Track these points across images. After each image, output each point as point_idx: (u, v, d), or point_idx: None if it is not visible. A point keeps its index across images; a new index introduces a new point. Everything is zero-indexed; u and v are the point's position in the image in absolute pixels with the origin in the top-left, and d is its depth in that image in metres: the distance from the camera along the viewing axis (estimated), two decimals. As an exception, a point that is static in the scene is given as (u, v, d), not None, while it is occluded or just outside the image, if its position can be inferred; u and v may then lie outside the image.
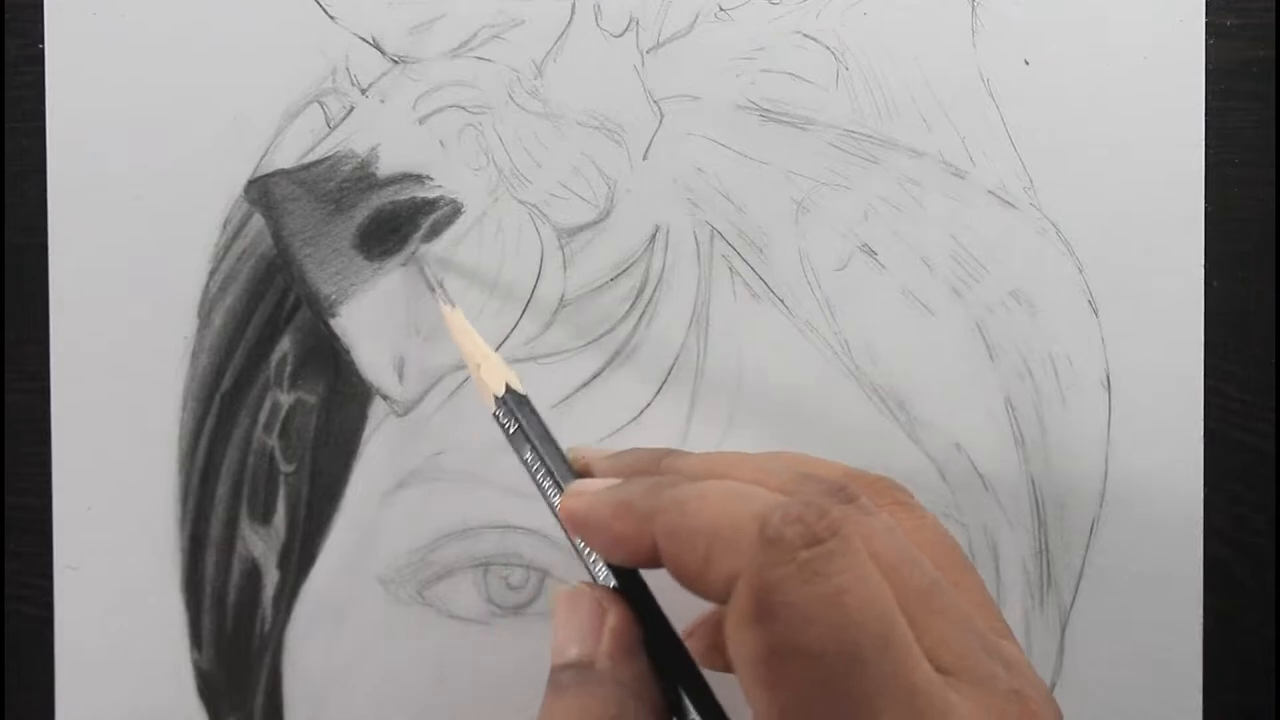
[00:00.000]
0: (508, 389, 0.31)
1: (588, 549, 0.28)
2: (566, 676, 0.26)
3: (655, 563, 0.25)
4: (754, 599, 0.22)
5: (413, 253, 0.36)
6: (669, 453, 0.30)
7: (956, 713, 0.22)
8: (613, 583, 0.28)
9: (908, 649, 0.22)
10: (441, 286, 0.35)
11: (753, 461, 0.28)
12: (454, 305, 0.34)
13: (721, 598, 0.23)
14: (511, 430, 0.30)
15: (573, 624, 0.27)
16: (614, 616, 0.27)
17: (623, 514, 0.26)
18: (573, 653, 0.26)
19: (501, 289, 0.36)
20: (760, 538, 0.22)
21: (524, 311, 0.36)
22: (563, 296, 0.36)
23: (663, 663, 0.26)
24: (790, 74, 0.36)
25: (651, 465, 0.29)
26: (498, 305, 0.36)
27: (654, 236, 0.36)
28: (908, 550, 0.24)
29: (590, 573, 0.28)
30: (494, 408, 0.31)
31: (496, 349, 0.36)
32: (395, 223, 0.36)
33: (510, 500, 0.35)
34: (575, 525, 0.28)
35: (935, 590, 0.24)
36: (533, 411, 0.31)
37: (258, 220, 0.36)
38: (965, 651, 0.23)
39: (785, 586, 0.22)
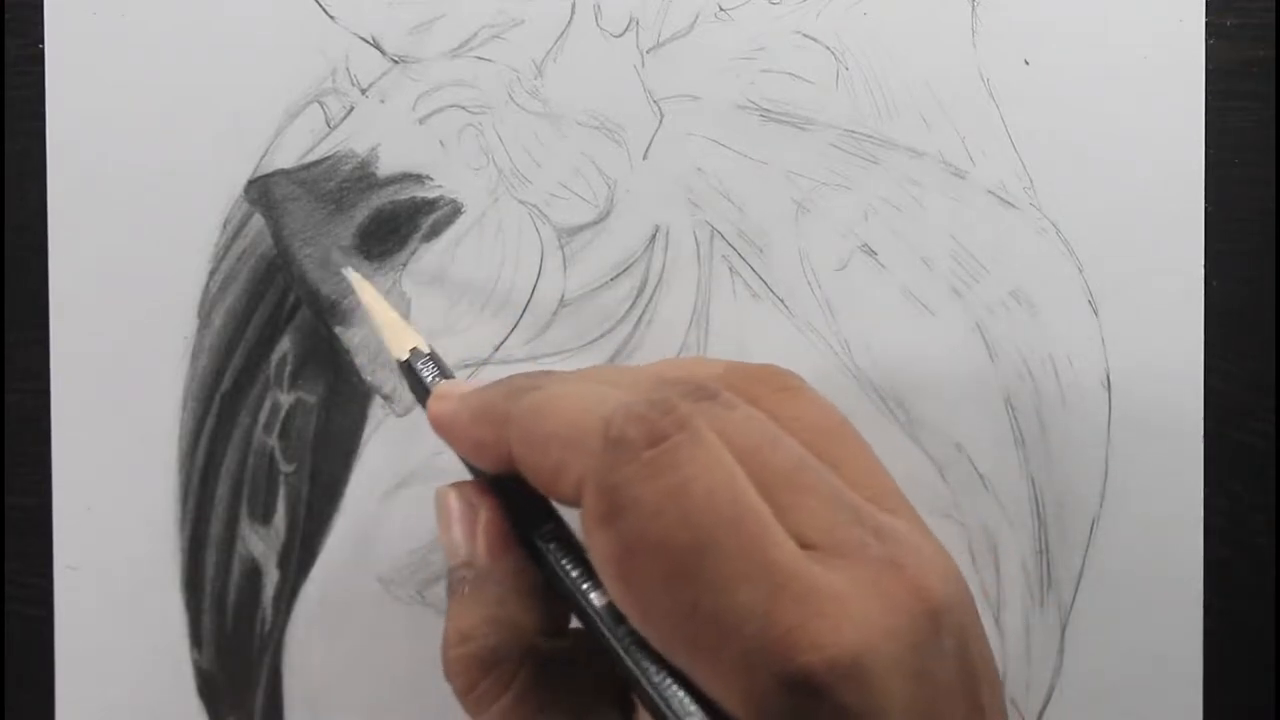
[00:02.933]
0: (413, 351, 0.30)
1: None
2: (457, 577, 0.26)
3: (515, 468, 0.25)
4: (601, 500, 0.22)
5: (413, 252, 0.36)
6: (547, 373, 0.29)
7: (821, 584, 0.21)
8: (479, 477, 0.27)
9: (763, 527, 0.22)
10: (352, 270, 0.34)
11: (623, 370, 0.28)
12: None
13: (576, 502, 0.23)
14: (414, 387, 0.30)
15: (450, 525, 0.27)
16: (484, 514, 0.27)
17: (481, 419, 0.26)
18: (461, 553, 0.27)
19: (501, 289, 0.36)
20: (604, 439, 0.22)
21: (524, 311, 0.36)
22: (563, 296, 0.36)
23: (547, 549, 0.26)
24: (790, 74, 0.36)
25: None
26: (498, 305, 0.36)
27: (654, 236, 0.36)
28: (770, 434, 0.24)
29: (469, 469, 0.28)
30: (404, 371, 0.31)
31: (496, 349, 0.36)
32: (395, 223, 0.36)
33: (510, 500, 0.35)
34: (440, 429, 0.27)
35: (801, 468, 0.23)
36: (433, 363, 0.30)
37: (258, 220, 0.36)
38: (833, 526, 0.22)
39: (630, 485, 0.22)
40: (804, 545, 0.22)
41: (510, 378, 0.28)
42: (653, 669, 0.22)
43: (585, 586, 0.25)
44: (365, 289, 0.33)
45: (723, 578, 0.21)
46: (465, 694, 0.25)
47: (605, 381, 0.25)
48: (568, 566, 0.25)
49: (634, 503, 0.22)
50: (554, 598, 0.26)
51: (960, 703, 0.22)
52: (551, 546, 0.26)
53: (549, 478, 0.24)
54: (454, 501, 0.27)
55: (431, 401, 0.28)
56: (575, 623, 0.26)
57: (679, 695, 0.22)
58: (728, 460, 0.22)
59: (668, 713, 0.22)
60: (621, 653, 0.23)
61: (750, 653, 0.21)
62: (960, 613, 0.23)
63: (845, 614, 0.21)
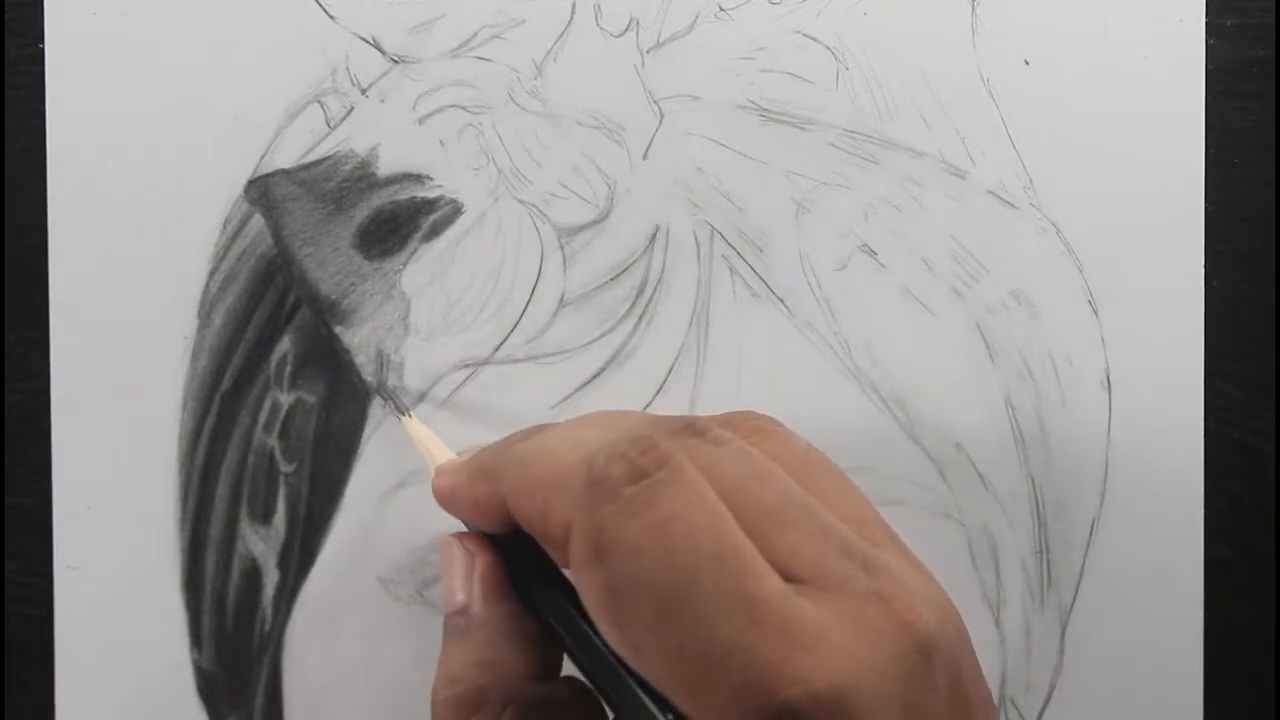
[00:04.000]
0: None
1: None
2: (452, 623, 0.27)
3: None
4: (585, 541, 0.22)
5: (413, 252, 0.36)
6: (542, 426, 0.29)
7: (805, 617, 0.21)
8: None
9: (744, 563, 0.22)
10: (395, 398, 0.35)
11: (616, 414, 0.28)
12: (409, 414, 0.35)
13: (566, 546, 0.23)
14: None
15: (451, 573, 0.28)
16: (481, 562, 0.28)
17: (477, 477, 0.27)
18: (459, 599, 0.28)
19: (501, 289, 0.36)
20: (587, 480, 0.23)
21: (524, 311, 0.36)
22: (563, 296, 0.36)
23: (543, 601, 0.27)
24: (790, 74, 0.36)
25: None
26: (497, 305, 0.36)
27: (654, 236, 0.36)
28: (758, 469, 0.24)
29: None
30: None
31: (496, 349, 0.36)
32: (395, 223, 0.36)
33: (510, 500, 0.35)
34: (444, 501, 0.29)
35: (788, 503, 0.23)
36: None
37: (258, 220, 0.36)
38: (819, 559, 0.22)
39: (613, 524, 0.22)
40: (790, 580, 0.22)
41: (507, 436, 0.28)
42: (649, 703, 0.22)
43: (583, 630, 0.25)
44: (415, 428, 0.34)
45: (704, 615, 0.21)
46: None
47: (594, 426, 0.26)
48: (567, 614, 0.26)
49: (616, 542, 0.22)
50: (544, 643, 0.27)
51: None
52: (549, 594, 0.26)
53: (540, 524, 0.24)
54: (455, 550, 0.28)
55: (434, 479, 0.29)
56: (567, 669, 0.26)
57: None
58: (710, 496, 0.22)
59: None
60: (615, 692, 0.23)
61: (736, 689, 0.21)
62: (952, 646, 0.22)
63: (829, 647, 0.21)
